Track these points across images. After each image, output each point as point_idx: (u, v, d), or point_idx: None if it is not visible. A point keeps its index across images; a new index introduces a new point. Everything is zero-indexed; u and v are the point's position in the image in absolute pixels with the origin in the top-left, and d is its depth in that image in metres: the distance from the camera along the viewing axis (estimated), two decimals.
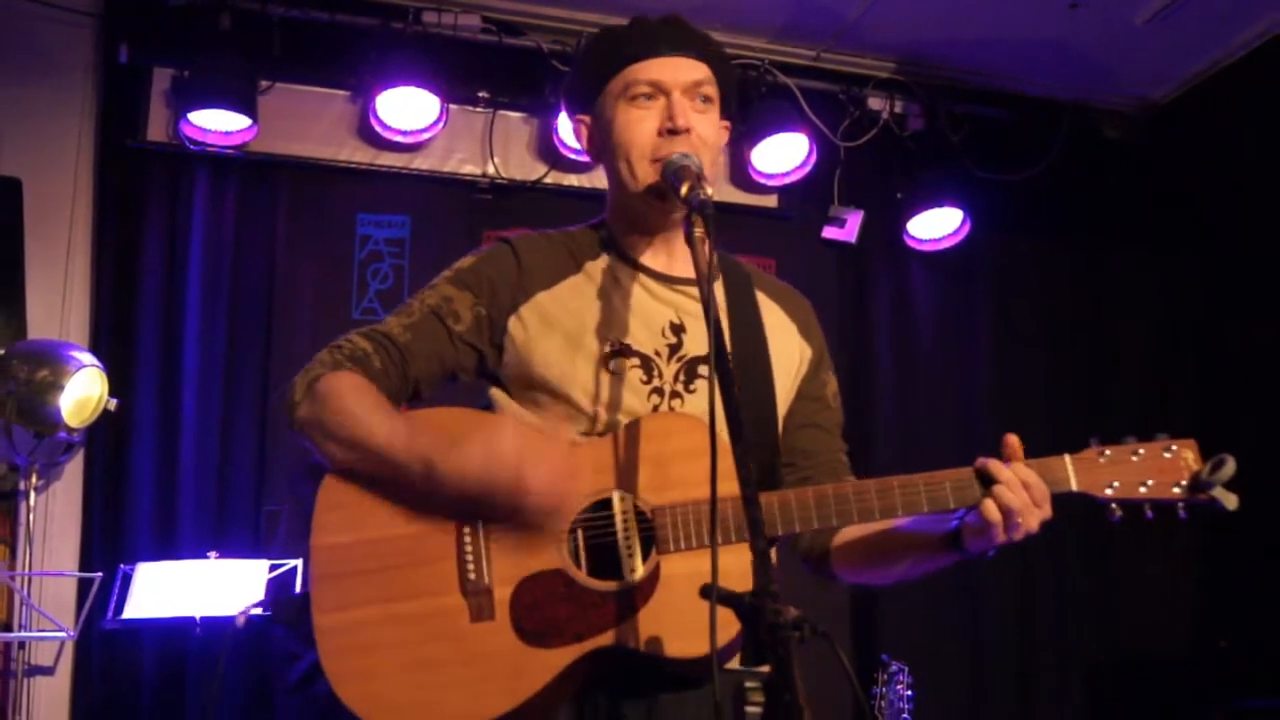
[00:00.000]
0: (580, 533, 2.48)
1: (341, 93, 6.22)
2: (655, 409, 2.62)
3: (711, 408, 2.13)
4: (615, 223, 2.84)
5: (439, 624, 2.48)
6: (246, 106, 5.81)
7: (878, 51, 6.81)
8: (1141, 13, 6.39)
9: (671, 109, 2.65)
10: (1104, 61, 6.85)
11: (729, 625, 2.07)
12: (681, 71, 2.68)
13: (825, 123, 6.69)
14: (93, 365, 5.36)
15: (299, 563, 5.28)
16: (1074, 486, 2.46)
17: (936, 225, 6.85)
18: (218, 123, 5.87)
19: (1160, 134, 7.24)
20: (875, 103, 6.84)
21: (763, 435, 2.71)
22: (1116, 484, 2.46)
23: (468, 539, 2.50)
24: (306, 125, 6.16)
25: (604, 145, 2.76)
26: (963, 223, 6.81)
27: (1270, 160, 6.55)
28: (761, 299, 2.84)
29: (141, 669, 5.55)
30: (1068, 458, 2.48)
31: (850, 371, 6.57)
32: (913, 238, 6.89)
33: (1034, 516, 2.39)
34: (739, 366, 2.61)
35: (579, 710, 2.48)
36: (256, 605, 5.12)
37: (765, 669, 1.90)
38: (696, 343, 2.67)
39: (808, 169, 6.56)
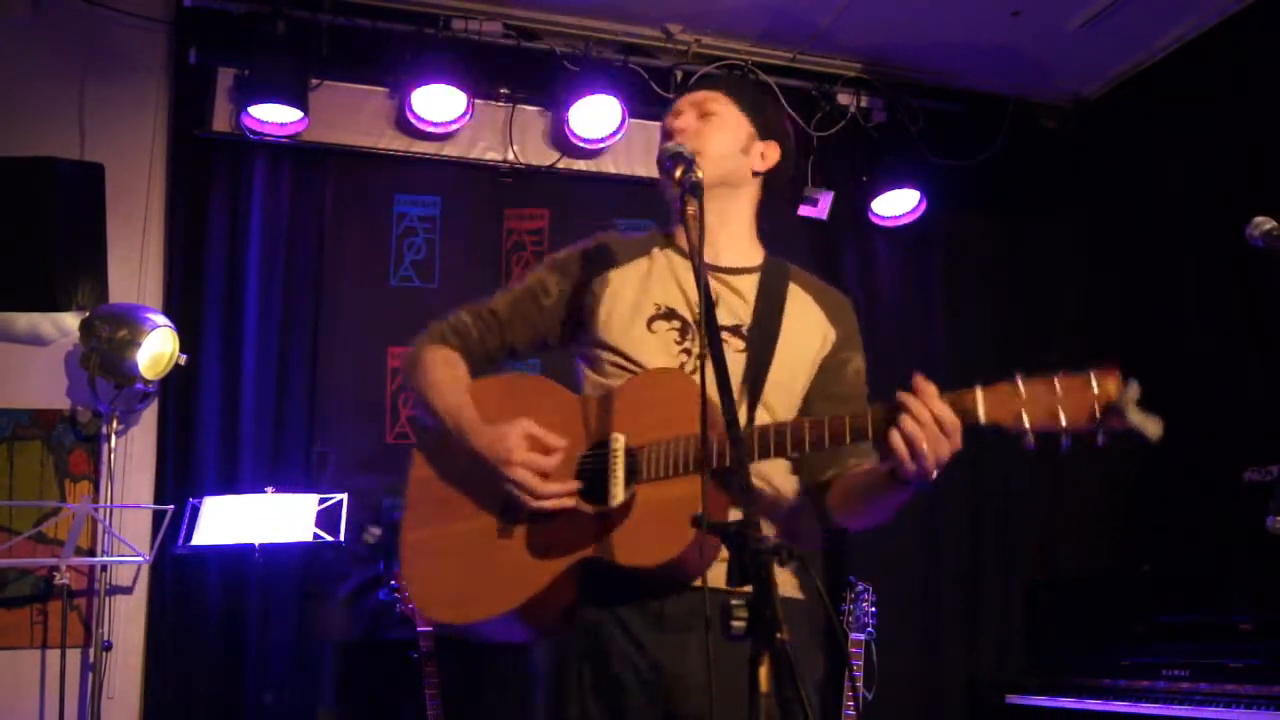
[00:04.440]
0: (586, 466, 2.63)
1: (381, 89, 6.13)
2: (681, 366, 2.70)
3: (703, 373, 2.29)
4: (676, 226, 2.92)
5: (476, 541, 2.70)
6: (299, 101, 5.72)
7: (846, 54, 6.72)
8: (1073, 19, 6.33)
9: (677, 119, 2.90)
10: (1041, 62, 6.78)
11: (679, 542, 2.37)
12: (691, 98, 2.94)
13: (800, 115, 6.58)
14: (165, 325, 5.33)
15: (344, 496, 5.27)
16: (982, 418, 2.21)
17: (897, 204, 6.77)
18: (274, 115, 5.79)
19: (1090, 125, 7.18)
20: (844, 98, 6.77)
21: (784, 398, 2.76)
22: (1028, 416, 2.18)
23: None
24: (351, 117, 6.08)
25: None
26: (920, 202, 6.73)
27: (1181, 147, 6.51)
28: (793, 289, 2.87)
29: (207, 589, 5.48)
30: (979, 389, 2.23)
31: None
32: (876, 215, 6.82)
33: (941, 446, 2.22)
34: (754, 342, 2.74)
35: (590, 620, 2.61)
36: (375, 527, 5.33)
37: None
38: (725, 315, 2.74)
39: None
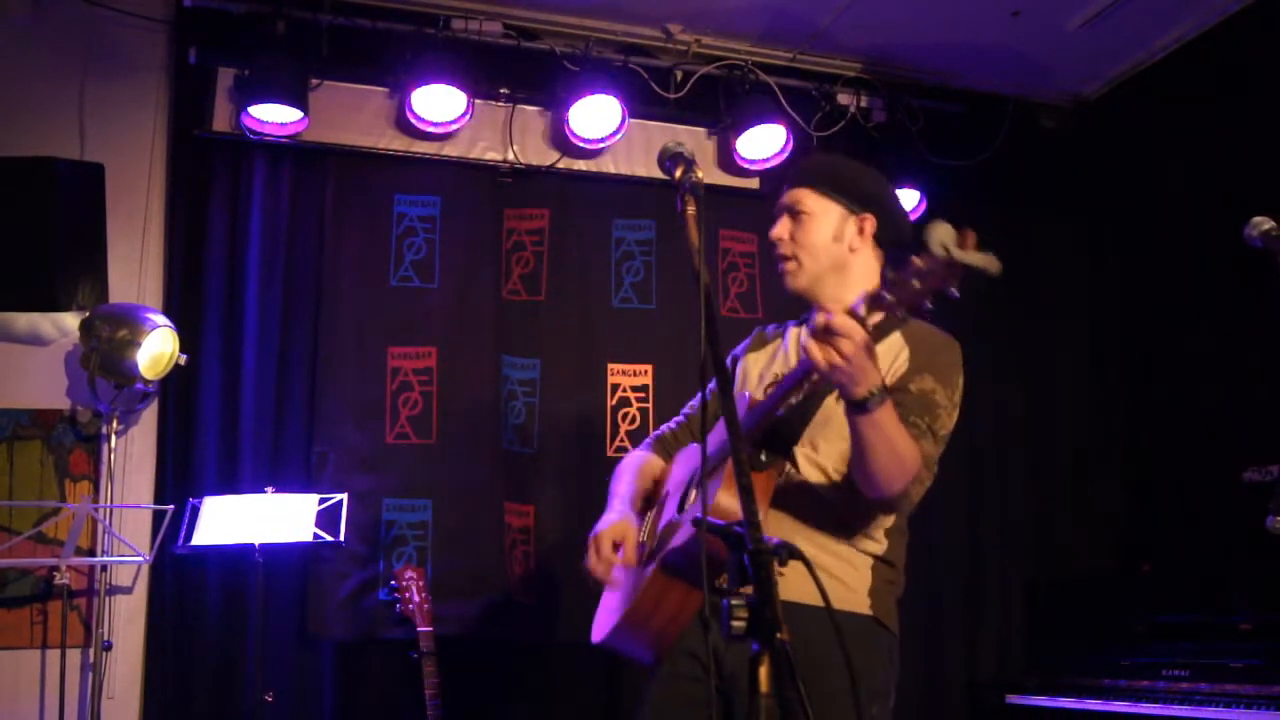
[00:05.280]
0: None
1: (381, 89, 6.11)
2: None
3: (703, 364, 2.39)
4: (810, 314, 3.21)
5: (632, 570, 3.10)
6: (299, 101, 5.71)
7: (846, 54, 6.72)
8: (1073, 19, 6.33)
9: (775, 227, 3.23)
10: (1041, 62, 6.77)
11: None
12: (784, 202, 3.22)
13: (801, 115, 6.59)
14: (165, 325, 5.30)
15: (344, 496, 5.27)
16: (861, 311, 2.44)
17: None
18: (274, 115, 5.77)
19: (1090, 125, 7.18)
20: (844, 98, 6.75)
21: (822, 427, 3.08)
22: (892, 296, 2.34)
23: (646, 519, 3.28)
24: (351, 117, 6.06)
25: None
26: (919, 202, 6.70)
27: (1181, 147, 6.53)
28: (895, 335, 3.01)
29: (207, 589, 5.47)
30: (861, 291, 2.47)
31: None
32: None
33: (831, 353, 2.46)
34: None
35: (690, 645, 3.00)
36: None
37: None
38: None
39: (785, 156, 6.46)
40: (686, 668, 2.98)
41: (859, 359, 2.46)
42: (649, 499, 3.37)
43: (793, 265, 3.16)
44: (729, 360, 3.36)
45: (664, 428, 3.62)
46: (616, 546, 3.09)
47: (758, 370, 3.29)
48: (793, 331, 3.32)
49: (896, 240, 3.17)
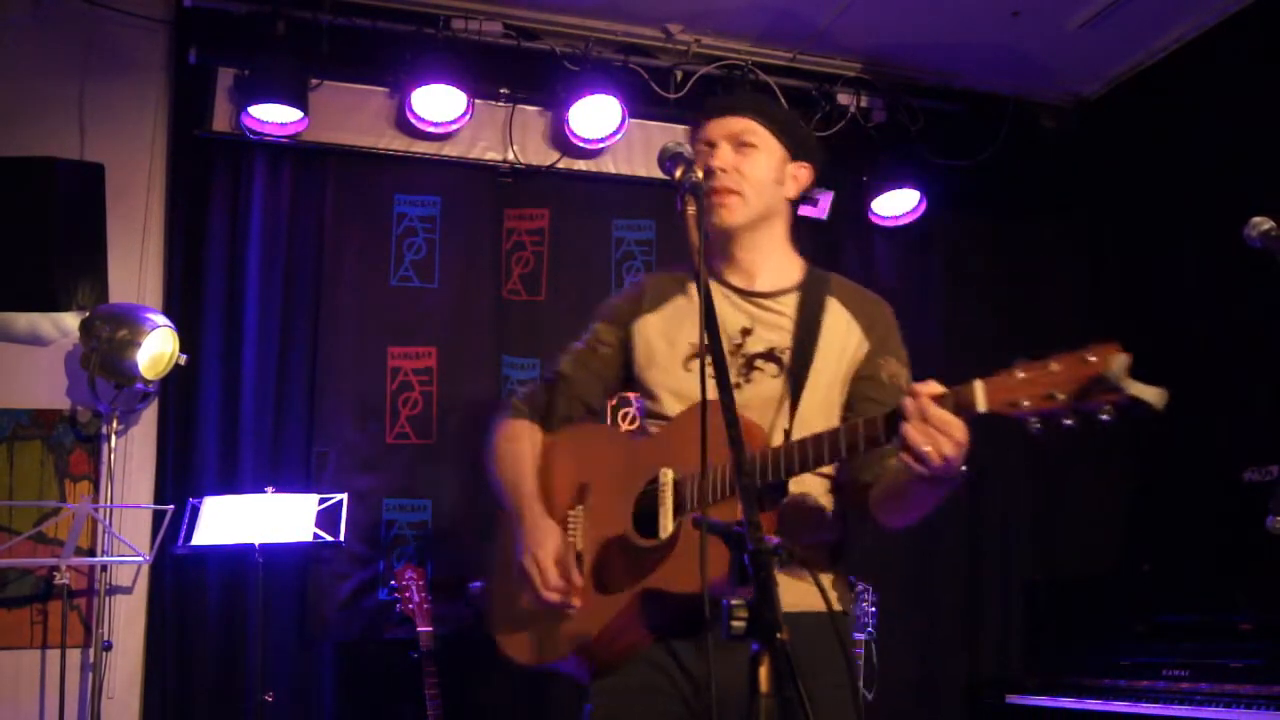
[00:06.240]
0: (638, 504, 2.74)
1: (381, 89, 6.11)
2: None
3: (701, 364, 2.31)
4: (708, 252, 2.89)
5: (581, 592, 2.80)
6: (299, 101, 5.71)
7: (846, 54, 6.71)
8: (1073, 19, 6.33)
9: (715, 155, 2.88)
10: (1041, 62, 6.77)
11: (721, 564, 2.08)
12: (725, 126, 2.92)
13: (800, 115, 6.56)
14: (165, 325, 5.31)
15: (344, 496, 5.27)
16: (982, 408, 2.17)
17: (897, 204, 6.76)
18: (274, 115, 5.77)
19: (1090, 125, 7.17)
20: (844, 98, 6.73)
21: (822, 411, 2.81)
22: (1028, 398, 2.11)
23: (572, 518, 2.89)
24: (351, 117, 6.06)
25: None
26: (920, 202, 6.72)
27: (1181, 147, 6.51)
28: (831, 304, 2.90)
29: (207, 589, 5.48)
30: (978, 382, 2.19)
31: None
32: (876, 215, 6.81)
33: (941, 443, 2.19)
34: (790, 361, 2.82)
35: (652, 656, 2.73)
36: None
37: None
38: (759, 342, 2.85)
39: None
40: (648, 679, 2.72)
41: (964, 450, 2.24)
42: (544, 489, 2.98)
43: (736, 200, 2.87)
44: (633, 326, 2.99)
45: (531, 386, 3.17)
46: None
47: (666, 338, 2.94)
48: (693, 288, 2.96)
49: (805, 200, 3.09)
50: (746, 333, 2.86)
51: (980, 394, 2.18)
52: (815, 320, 2.86)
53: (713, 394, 2.39)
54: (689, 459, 2.58)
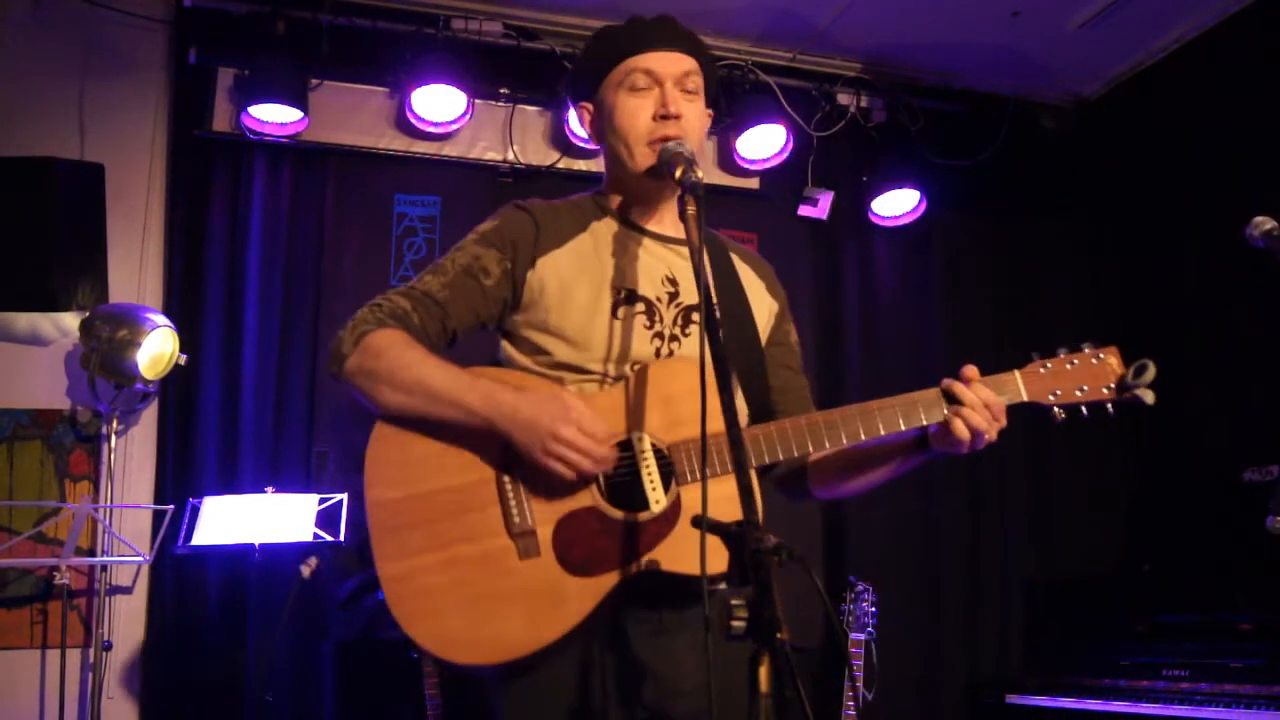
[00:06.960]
0: (602, 473, 2.44)
1: (381, 89, 6.12)
2: (657, 352, 2.59)
3: (702, 370, 2.13)
4: (614, 193, 2.77)
5: (492, 564, 2.41)
6: (299, 101, 5.72)
7: (846, 54, 6.72)
8: (1073, 19, 6.34)
9: (664, 97, 2.62)
10: (1041, 62, 6.77)
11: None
12: (672, 63, 2.65)
13: (800, 115, 6.59)
14: (165, 325, 5.32)
15: (344, 496, 5.26)
16: (1025, 397, 2.54)
17: (897, 204, 6.77)
18: (274, 115, 5.78)
19: (1090, 125, 7.17)
20: (844, 98, 6.74)
21: (756, 375, 2.75)
22: (1059, 391, 2.54)
23: (509, 487, 2.45)
24: (351, 117, 6.07)
25: (604, 129, 2.72)
26: (919, 202, 6.73)
27: (1181, 147, 6.53)
28: (736, 262, 2.84)
29: (207, 589, 5.48)
30: (1016, 373, 2.55)
31: (823, 328, 6.66)
32: (876, 215, 6.82)
33: (994, 429, 2.48)
34: (726, 319, 2.65)
35: (588, 634, 2.45)
36: (311, 556, 5.12)
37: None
38: (688, 292, 2.67)
39: (785, 155, 6.48)
40: (571, 675, 2.49)
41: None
42: None
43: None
44: (536, 263, 2.63)
45: (390, 302, 2.61)
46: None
47: (585, 277, 2.63)
48: (604, 229, 2.71)
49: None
50: (673, 281, 2.66)
51: (1021, 384, 2.54)
52: (734, 280, 2.79)
53: (646, 349, 2.57)
54: (667, 424, 2.44)
